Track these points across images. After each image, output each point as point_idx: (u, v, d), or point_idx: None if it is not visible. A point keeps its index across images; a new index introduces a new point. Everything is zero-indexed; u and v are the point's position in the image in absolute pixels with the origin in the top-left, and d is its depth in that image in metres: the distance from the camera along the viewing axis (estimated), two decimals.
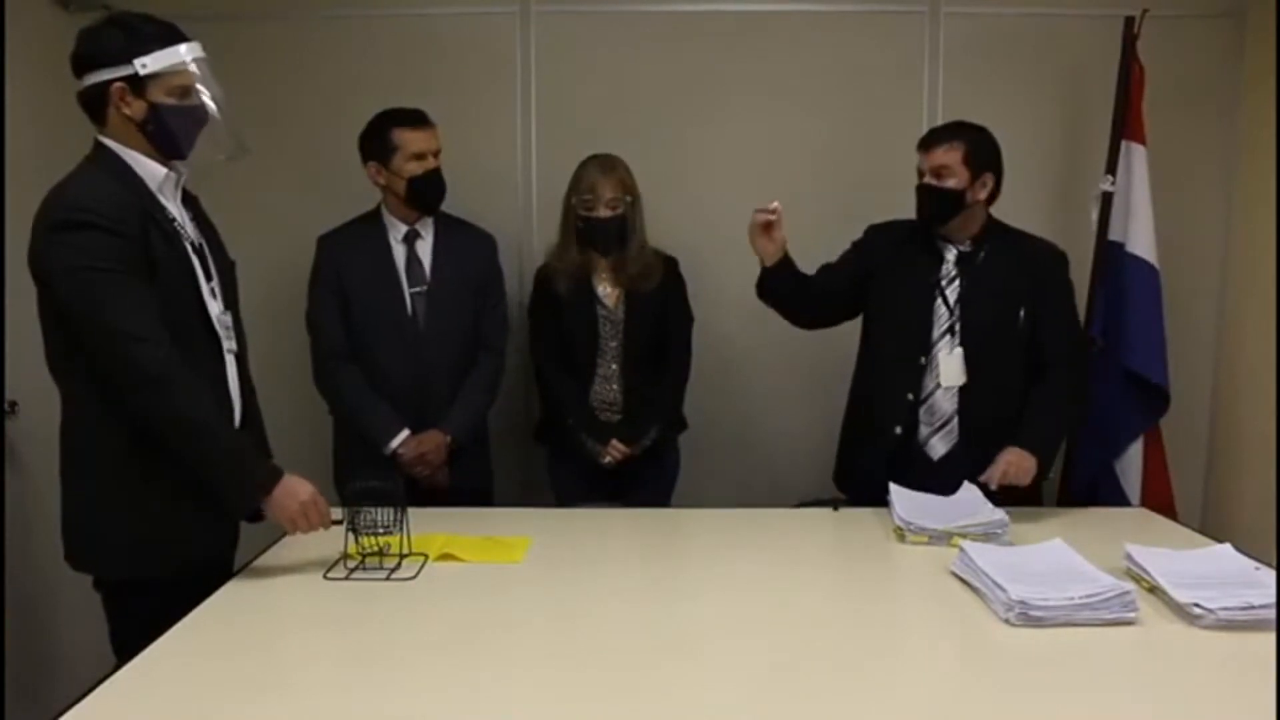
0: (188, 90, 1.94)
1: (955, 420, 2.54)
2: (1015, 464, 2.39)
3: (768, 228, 2.51)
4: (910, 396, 2.55)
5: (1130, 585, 1.78)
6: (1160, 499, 2.95)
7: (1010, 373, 2.55)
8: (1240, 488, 3.14)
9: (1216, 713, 1.46)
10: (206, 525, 2.00)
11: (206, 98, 1.96)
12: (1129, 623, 1.72)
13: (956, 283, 2.56)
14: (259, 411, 2.21)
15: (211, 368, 2.01)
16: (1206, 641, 1.67)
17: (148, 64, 1.88)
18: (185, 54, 1.91)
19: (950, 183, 2.50)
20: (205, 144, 2.00)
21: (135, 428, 1.89)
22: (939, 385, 2.54)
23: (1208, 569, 1.90)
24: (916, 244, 2.61)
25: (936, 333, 2.55)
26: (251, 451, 2.00)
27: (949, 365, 2.54)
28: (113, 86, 1.89)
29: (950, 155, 2.49)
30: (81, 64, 1.91)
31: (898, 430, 2.56)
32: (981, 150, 2.53)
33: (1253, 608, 1.71)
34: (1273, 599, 1.72)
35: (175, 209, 1.99)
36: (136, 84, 1.89)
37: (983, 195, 2.54)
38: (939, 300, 2.56)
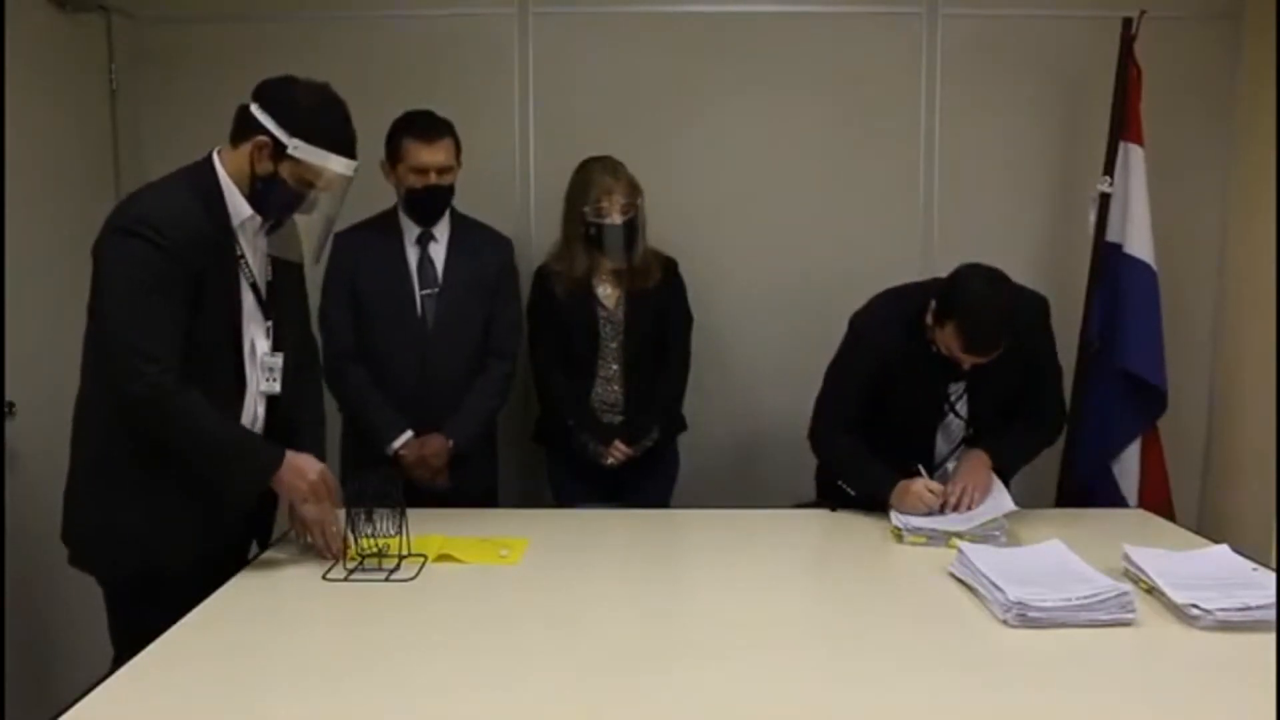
0: (309, 185, 1.99)
1: None
2: (973, 481, 2.34)
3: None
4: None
5: (1128, 586, 1.78)
6: (1158, 500, 2.95)
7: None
8: (1238, 489, 3.15)
9: (1214, 713, 1.46)
10: (213, 520, 2.01)
11: (316, 204, 2.01)
12: (1127, 624, 1.73)
13: (965, 398, 2.43)
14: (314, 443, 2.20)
15: (227, 402, 2.01)
16: (1204, 642, 1.68)
17: (299, 150, 1.94)
18: (332, 167, 1.97)
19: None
20: (284, 229, 2.07)
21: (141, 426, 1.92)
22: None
23: (1205, 570, 1.91)
24: (918, 349, 2.37)
25: (945, 448, 2.48)
26: (252, 439, 2.02)
27: None
28: (261, 136, 1.93)
29: (1001, 349, 2.28)
30: (264, 97, 1.96)
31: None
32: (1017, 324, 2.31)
33: (1250, 609, 1.71)
34: (1270, 600, 1.73)
35: (248, 246, 2.03)
36: (280, 150, 1.93)
37: None
38: (950, 416, 2.45)
